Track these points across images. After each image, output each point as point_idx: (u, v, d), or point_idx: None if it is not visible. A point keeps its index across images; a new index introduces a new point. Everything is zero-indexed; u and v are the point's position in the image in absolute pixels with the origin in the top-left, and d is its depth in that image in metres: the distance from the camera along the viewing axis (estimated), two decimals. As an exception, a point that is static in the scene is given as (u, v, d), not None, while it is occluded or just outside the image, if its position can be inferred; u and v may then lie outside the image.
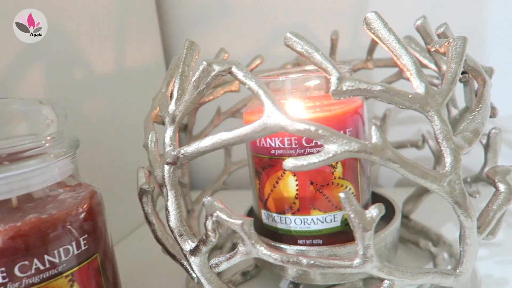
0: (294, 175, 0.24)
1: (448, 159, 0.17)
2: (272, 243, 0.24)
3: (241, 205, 0.31)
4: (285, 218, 0.25)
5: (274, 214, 0.25)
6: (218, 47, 0.28)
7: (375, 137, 0.16)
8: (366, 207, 0.26)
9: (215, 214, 0.17)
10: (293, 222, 0.24)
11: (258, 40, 0.42)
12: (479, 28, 0.37)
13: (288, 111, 0.24)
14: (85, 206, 0.20)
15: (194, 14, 0.45)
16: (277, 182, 0.24)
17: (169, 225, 0.20)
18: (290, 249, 0.24)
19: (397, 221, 0.25)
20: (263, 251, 0.17)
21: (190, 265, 0.20)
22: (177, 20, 0.45)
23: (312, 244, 0.24)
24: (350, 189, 0.24)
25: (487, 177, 0.20)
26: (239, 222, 0.17)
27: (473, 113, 0.18)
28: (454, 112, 0.28)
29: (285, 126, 0.17)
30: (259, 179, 0.25)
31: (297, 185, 0.24)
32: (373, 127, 0.16)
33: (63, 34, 0.31)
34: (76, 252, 0.18)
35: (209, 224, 0.18)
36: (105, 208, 0.22)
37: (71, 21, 0.32)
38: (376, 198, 0.30)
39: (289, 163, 0.17)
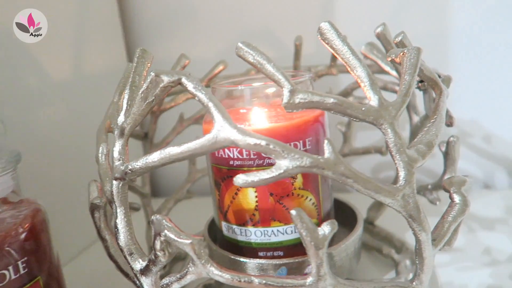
0: (254, 187, 0.23)
1: (401, 173, 0.17)
2: (232, 256, 0.24)
3: (206, 213, 0.30)
4: (245, 230, 0.24)
5: (234, 226, 0.24)
6: (183, 53, 0.27)
7: (327, 152, 0.16)
8: (328, 216, 0.26)
9: (163, 234, 0.17)
10: (253, 234, 0.24)
11: (223, 45, 0.42)
12: (442, 35, 0.37)
13: (251, 120, 0.24)
14: (26, 225, 0.18)
15: (158, 19, 0.43)
16: (236, 194, 0.24)
17: (118, 244, 0.19)
18: (250, 262, 0.23)
19: (358, 230, 0.25)
20: (214, 271, 0.16)
21: (141, 285, 0.19)
22: (142, 25, 0.44)
23: (273, 257, 0.24)
24: (310, 199, 0.24)
25: (443, 188, 0.20)
26: (188, 242, 0.16)
27: (428, 125, 0.18)
28: (416, 119, 0.28)
29: (236, 141, 0.16)
30: (219, 190, 0.25)
31: (256, 196, 0.23)
32: (326, 141, 0.16)
33: (13, 37, 0.29)
34: (13, 277, 0.17)
35: (158, 244, 0.17)
36: (53, 225, 0.21)
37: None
38: (339, 205, 0.29)
39: (239, 179, 0.16)
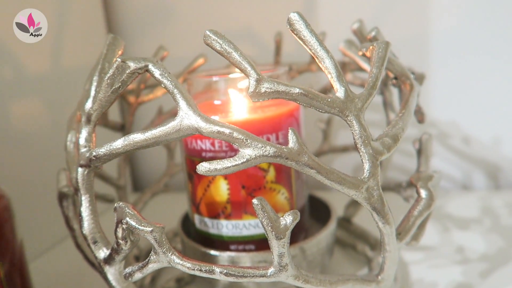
0: (226, 179, 0.23)
1: (366, 165, 0.17)
2: (202, 249, 0.24)
3: (184, 208, 0.30)
4: (217, 223, 0.24)
5: (206, 219, 0.24)
6: (161, 44, 0.27)
7: (291, 142, 0.16)
8: (302, 212, 0.25)
9: (124, 221, 0.16)
10: (225, 227, 0.24)
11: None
12: (423, 37, 0.38)
13: (226, 112, 0.24)
14: (-13, 211, 0.18)
15: (142, 14, 0.43)
16: (208, 186, 0.23)
17: (82, 232, 0.19)
18: (221, 255, 0.23)
19: (331, 226, 0.25)
20: (175, 260, 0.16)
21: (105, 274, 0.19)
22: (126, 20, 0.43)
23: (244, 250, 0.24)
24: (283, 193, 0.24)
25: (410, 183, 0.20)
26: (149, 229, 0.16)
27: (395, 119, 0.18)
28: (392, 116, 0.28)
29: (199, 128, 0.16)
30: (192, 182, 0.24)
31: (228, 189, 0.23)
32: (290, 131, 0.16)
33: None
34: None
35: (119, 231, 0.17)
36: (25, 218, 0.20)
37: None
38: (316, 203, 0.29)
39: (202, 167, 0.16)
